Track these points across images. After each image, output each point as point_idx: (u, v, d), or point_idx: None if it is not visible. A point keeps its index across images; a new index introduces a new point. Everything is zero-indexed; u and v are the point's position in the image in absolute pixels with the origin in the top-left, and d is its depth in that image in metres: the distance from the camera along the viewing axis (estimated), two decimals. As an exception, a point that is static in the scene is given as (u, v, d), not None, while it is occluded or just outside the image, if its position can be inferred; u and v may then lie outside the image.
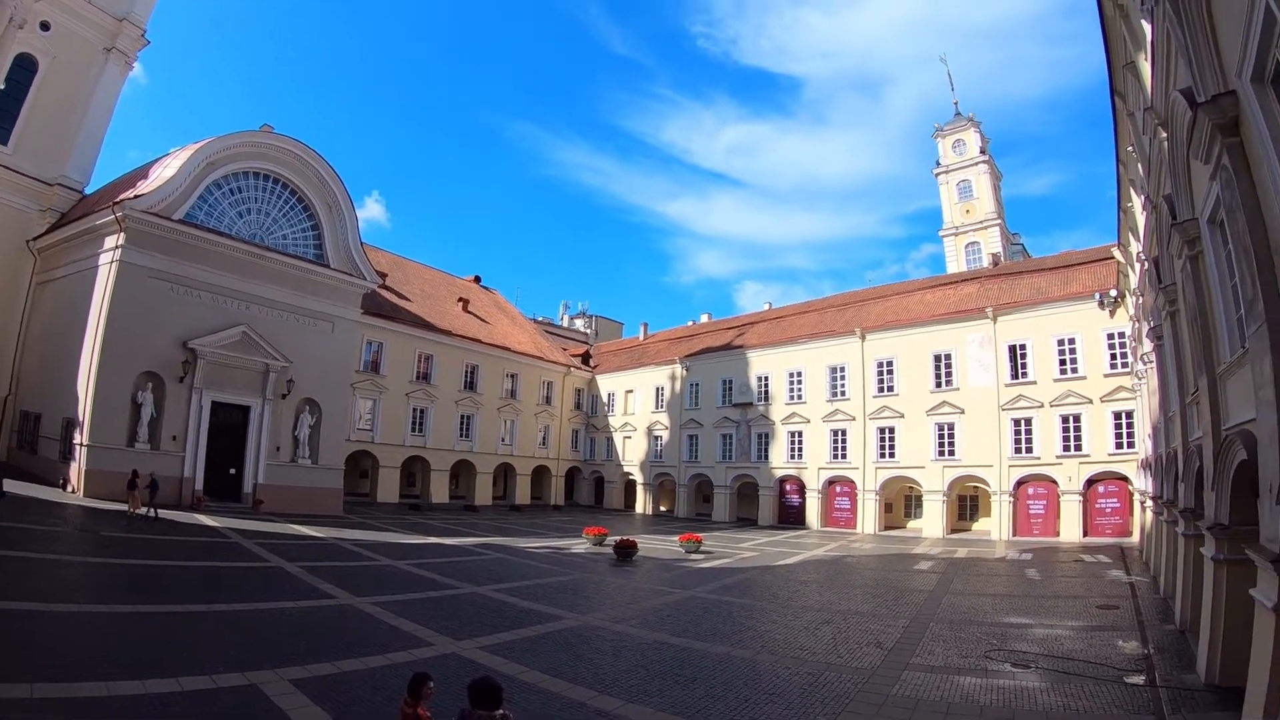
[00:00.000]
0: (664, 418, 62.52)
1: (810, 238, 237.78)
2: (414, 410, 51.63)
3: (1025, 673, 12.35)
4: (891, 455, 46.62)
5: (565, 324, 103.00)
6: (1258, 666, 8.02)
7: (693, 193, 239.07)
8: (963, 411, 43.40)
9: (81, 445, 30.24)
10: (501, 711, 5.90)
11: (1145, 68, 15.12)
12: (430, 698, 6.33)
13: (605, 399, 69.03)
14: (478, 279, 72.11)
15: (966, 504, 46.84)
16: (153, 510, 26.58)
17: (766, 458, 53.77)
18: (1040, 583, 24.32)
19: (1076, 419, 38.98)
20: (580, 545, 33.11)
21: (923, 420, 45.05)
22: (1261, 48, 6.82)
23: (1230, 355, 10.38)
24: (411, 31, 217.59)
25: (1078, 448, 38.73)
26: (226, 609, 14.25)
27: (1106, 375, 38.05)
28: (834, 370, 50.46)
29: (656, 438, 63.07)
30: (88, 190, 40.52)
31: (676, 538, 34.10)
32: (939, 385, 44.81)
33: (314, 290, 39.22)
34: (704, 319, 75.76)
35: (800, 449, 51.70)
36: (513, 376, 60.79)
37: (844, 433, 49.27)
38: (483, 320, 61.78)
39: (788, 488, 52.67)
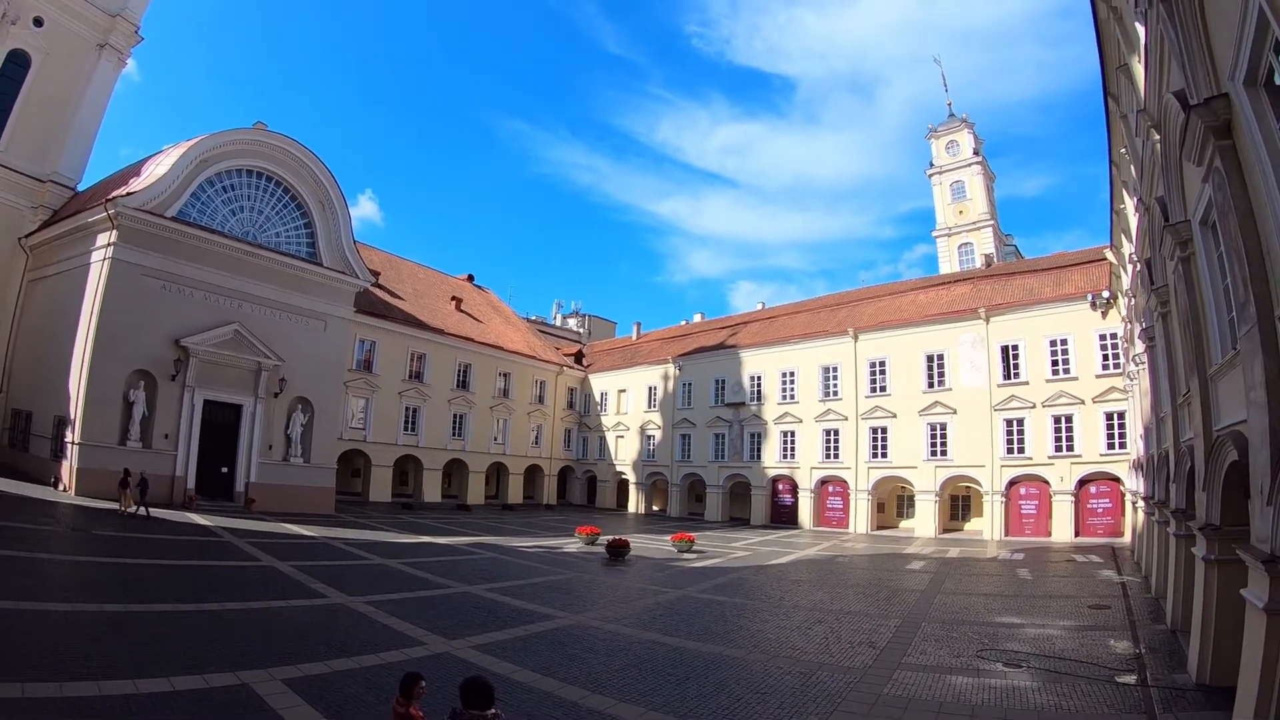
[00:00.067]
0: (657, 417, 62.52)
1: (803, 238, 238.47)
2: (406, 409, 51.53)
3: (1017, 672, 12.38)
4: (884, 455, 46.67)
5: (558, 323, 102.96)
6: (1248, 666, 8.05)
7: (686, 192, 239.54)
8: (955, 412, 43.48)
9: (73, 443, 30.10)
10: (493, 711, 5.90)
11: (1138, 70, 15.15)
12: (422, 697, 6.34)
13: (598, 398, 69.00)
14: (471, 278, 72.03)
15: (959, 504, 46.90)
16: (143, 509, 26.46)
17: (759, 457, 53.79)
18: (1032, 583, 24.38)
19: (1068, 419, 39.10)
20: (573, 544, 33.08)
21: (915, 420, 45.12)
22: (1254, 51, 6.85)
23: (1222, 357, 10.42)
24: (405, 29, 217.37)
25: (1070, 448, 38.84)
26: (218, 608, 14.20)
27: (1099, 376, 38.17)
28: (827, 370, 50.51)
29: (649, 437, 63.07)
30: (80, 187, 40.37)
31: (669, 537, 34.11)
32: (931, 385, 44.87)
33: (307, 288, 39.10)
34: (697, 318, 75.81)
35: (793, 449, 51.74)
36: (505, 375, 60.74)
37: (836, 432, 49.32)
38: (476, 319, 61.70)
39: (780, 487, 52.68)
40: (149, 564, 18.84)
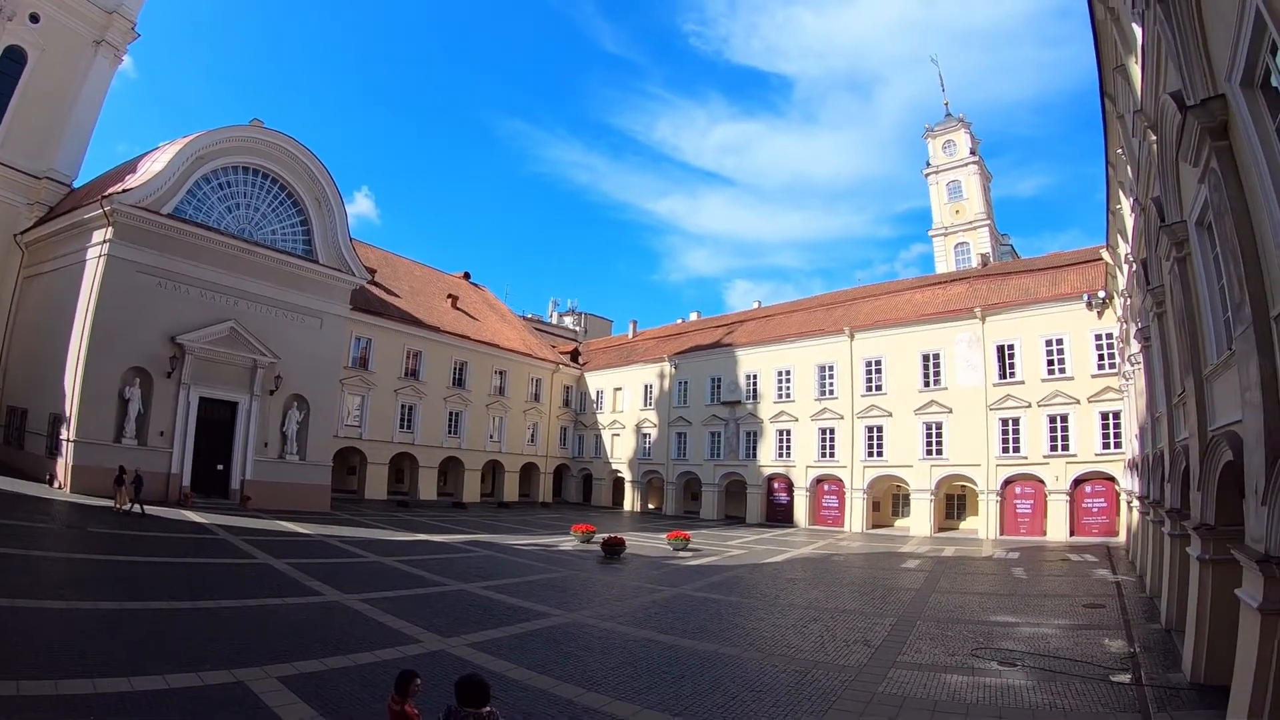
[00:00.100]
0: (652, 415, 62.53)
1: (800, 237, 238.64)
2: (402, 407, 51.47)
3: (1012, 671, 12.41)
4: (879, 454, 46.73)
5: (554, 321, 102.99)
6: (1242, 665, 8.08)
7: (683, 191, 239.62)
8: (951, 411, 43.55)
9: (68, 441, 30.00)
10: (488, 709, 5.89)
11: (1135, 71, 15.19)
12: (417, 695, 6.32)
13: (594, 396, 69.00)
14: (467, 275, 71.99)
15: (954, 503, 47.00)
16: (138, 506, 26.40)
17: (755, 456, 53.84)
18: (1027, 582, 24.44)
19: (1064, 419, 39.18)
20: (568, 542, 33.09)
21: (911, 419, 45.18)
22: (1251, 52, 6.87)
23: (1217, 357, 10.45)
24: (404, 28, 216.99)
25: (1065, 448, 38.93)
26: (214, 606, 14.18)
27: (1094, 376, 38.25)
28: (822, 369, 50.55)
29: (645, 435, 63.09)
30: (76, 184, 40.14)
31: (664, 535, 34.12)
32: (927, 385, 44.95)
33: (303, 286, 39.00)
34: (693, 317, 75.87)
35: (788, 447, 51.78)
36: (501, 373, 60.69)
37: (832, 431, 49.38)
38: (472, 317, 61.63)
39: (776, 486, 52.74)
40: (144, 561, 18.80)
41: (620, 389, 66.51)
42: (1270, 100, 6.98)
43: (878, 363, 47.70)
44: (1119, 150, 21.28)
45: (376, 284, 50.41)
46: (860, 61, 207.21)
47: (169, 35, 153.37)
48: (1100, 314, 37.74)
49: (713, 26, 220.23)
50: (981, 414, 41.94)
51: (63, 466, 29.90)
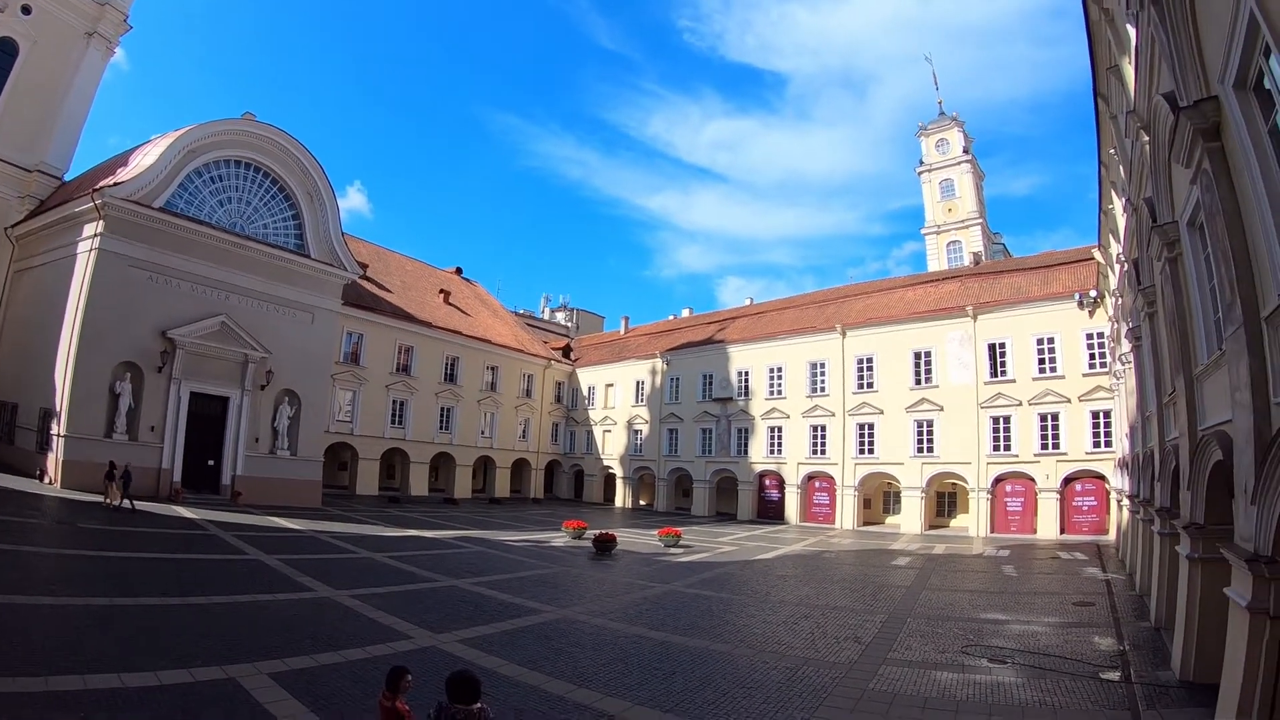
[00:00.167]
0: (644, 411, 62.53)
1: (792, 234, 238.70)
2: (394, 402, 51.36)
3: (1002, 668, 12.47)
4: (871, 451, 46.83)
5: (546, 317, 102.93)
6: (1231, 664, 8.13)
7: (675, 187, 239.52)
8: (942, 409, 43.67)
9: (59, 436, 29.83)
10: (479, 705, 5.89)
11: (1129, 71, 15.24)
12: (408, 690, 6.33)
13: (585, 392, 68.95)
14: (459, 271, 71.79)
15: (945, 500, 47.11)
16: (128, 501, 26.30)
17: (746, 453, 53.92)
18: (1017, 579, 24.55)
19: (1055, 417, 39.32)
20: (560, 539, 33.09)
21: (902, 417, 45.29)
22: (1244, 55, 6.89)
23: (1207, 357, 10.50)
24: (397, 22, 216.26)
25: (1055, 446, 39.07)
26: (205, 602, 14.14)
27: (1085, 375, 38.40)
28: (814, 366, 50.62)
29: (636, 431, 63.08)
30: (67, 177, 39.84)
31: (656, 532, 34.18)
32: (919, 382, 45.05)
33: (294, 280, 38.86)
34: (685, 313, 75.83)
35: (780, 444, 51.88)
36: (493, 369, 60.61)
37: (823, 428, 49.45)
38: (464, 312, 61.53)
39: (767, 483, 52.81)
40: (135, 557, 18.72)
41: (612, 385, 66.48)
42: (1263, 102, 7.01)
43: (869, 360, 47.78)
44: (1112, 150, 21.35)
45: (368, 279, 50.28)
46: (855, 59, 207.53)
47: (161, 27, 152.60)
48: (1091, 313, 37.88)
49: (707, 23, 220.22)
50: (972, 412, 42.06)
51: (53, 462, 29.72)
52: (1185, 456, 11.71)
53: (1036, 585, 23.23)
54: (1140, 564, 20.30)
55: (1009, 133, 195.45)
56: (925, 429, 44.43)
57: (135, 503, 26.51)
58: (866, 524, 47.61)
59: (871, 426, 47.01)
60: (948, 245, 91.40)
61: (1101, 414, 37.38)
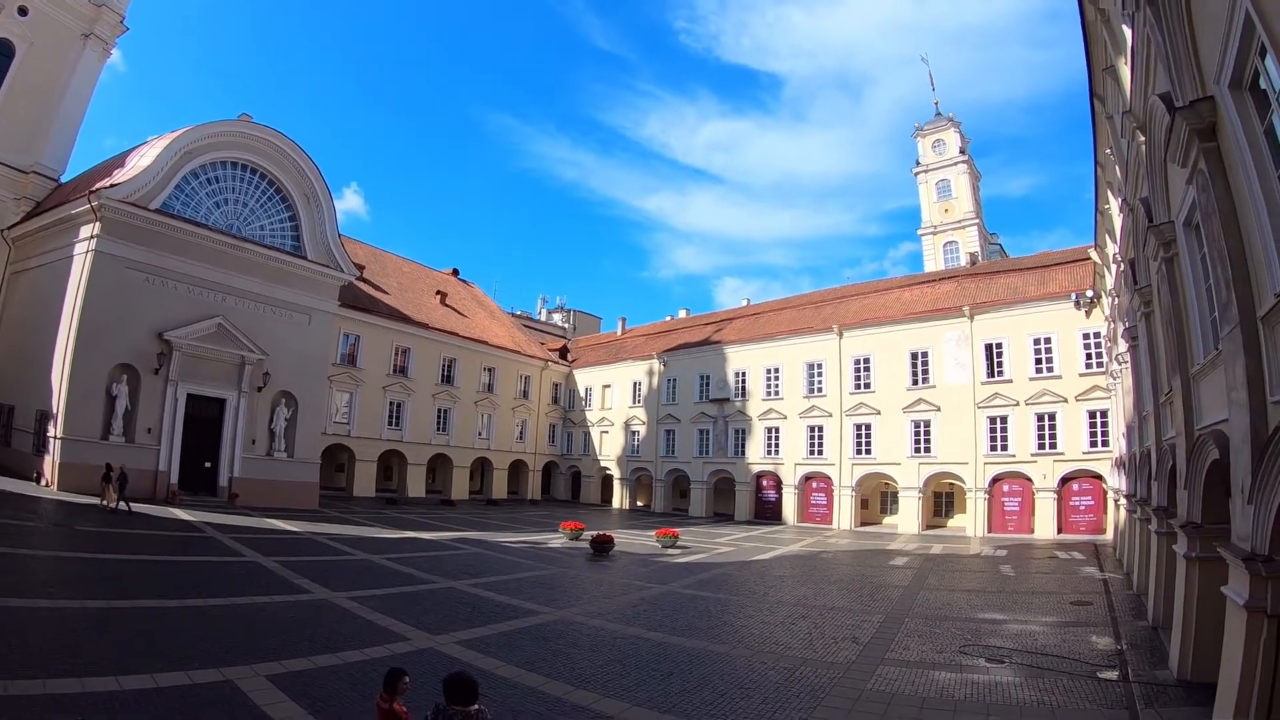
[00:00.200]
0: (641, 413, 62.54)
1: (789, 235, 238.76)
2: (391, 404, 51.34)
3: (999, 668, 12.48)
4: (868, 452, 46.86)
5: (543, 318, 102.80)
6: (1229, 663, 8.13)
7: (672, 188, 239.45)
8: (939, 409, 43.70)
9: (55, 438, 29.79)
10: (477, 706, 5.89)
11: (1125, 72, 15.25)
12: (406, 692, 6.33)
13: (583, 393, 68.93)
14: (456, 272, 71.85)
15: (942, 500, 47.15)
16: (124, 504, 26.25)
17: (743, 453, 53.92)
18: (1015, 579, 24.57)
19: (1052, 417, 39.37)
20: (557, 540, 33.07)
21: (899, 417, 45.32)
22: (1240, 55, 6.90)
23: (1204, 357, 10.51)
24: (393, 23, 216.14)
25: (1053, 446, 39.11)
26: (201, 604, 14.11)
27: (1082, 375, 38.45)
28: (811, 367, 50.65)
29: (634, 433, 63.09)
30: (64, 178, 39.82)
31: (653, 533, 34.17)
32: (916, 383, 45.08)
33: (291, 282, 38.82)
34: (682, 314, 75.99)
35: (777, 445, 51.90)
36: (490, 370, 60.60)
37: (821, 429, 49.46)
38: (460, 314, 61.52)
39: (764, 483, 52.83)
40: (132, 560, 18.70)
41: (609, 386, 66.47)
42: (1258, 102, 7.02)
43: (866, 361, 47.82)
44: (1108, 151, 21.37)
45: (365, 280, 50.26)
46: (851, 60, 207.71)
47: (158, 28, 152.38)
48: (1088, 313, 37.93)
49: (703, 24, 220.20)
50: (969, 412, 42.11)
51: (50, 464, 29.67)
52: (1182, 456, 11.72)
53: (1034, 585, 23.25)
54: (1137, 563, 20.31)
55: (1005, 133, 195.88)
56: (922, 429, 44.46)
57: (131, 505, 26.48)
58: (864, 524, 47.59)
59: (868, 427, 47.05)
60: (944, 246, 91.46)
61: (1098, 414, 37.44)
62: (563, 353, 72.88)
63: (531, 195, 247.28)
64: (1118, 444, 31.22)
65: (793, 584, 23.50)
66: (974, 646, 14.13)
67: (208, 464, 35.05)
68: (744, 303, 70.52)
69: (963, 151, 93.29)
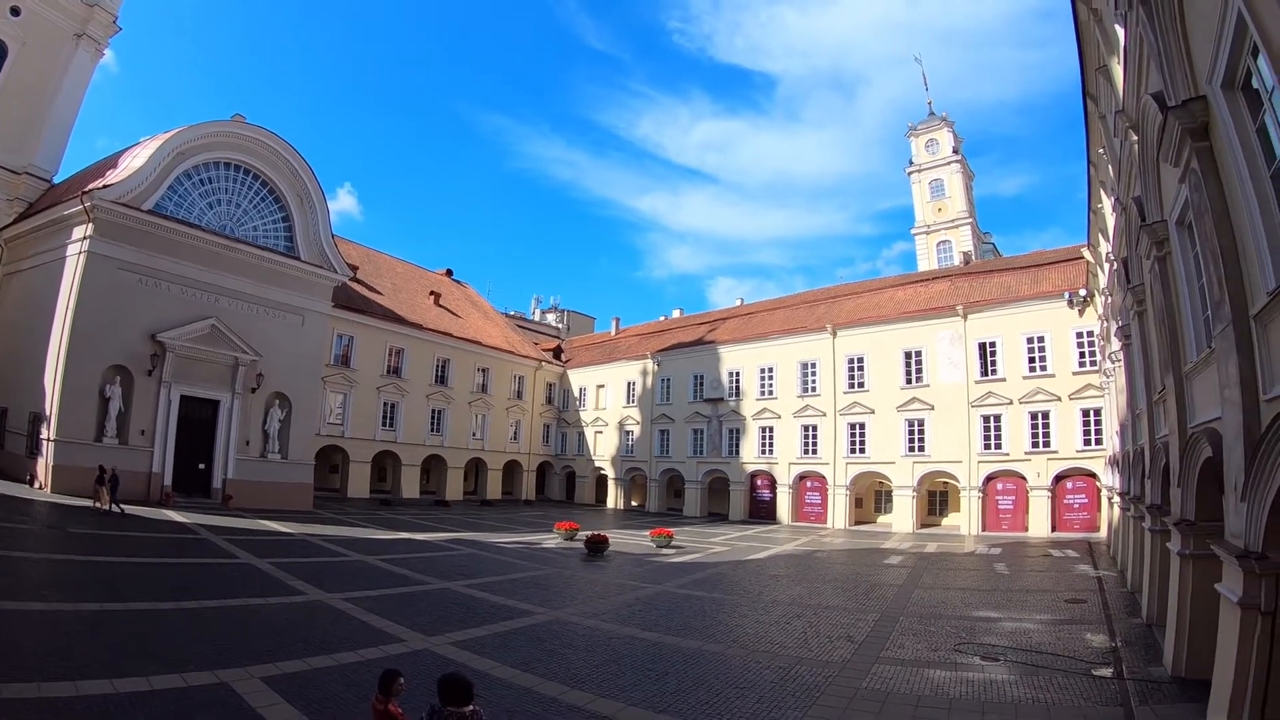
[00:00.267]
0: (635, 412, 62.53)
1: (783, 234, 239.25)
2: (385, 404, 51.19)
3: (994, 666, 12.50)
4: (862, 451, 46.91)
5: (537, 318, 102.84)
6: (1223, 659, 8.17)
7: (665, 188, 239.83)
8: (933, 408, 43.77)
9: (49, 440, 29.67)
10: (472, 707, 5.88)
11: (1117, 71, 15.30)
12: (401, 694, 6.31)
13: (577, 393, 68.88)
14: (449, 272, 71.66)
15: (936, 499, 47.28)
16: (117, 506, 26.16)
17: (737, 453, 53.94)
18: (1009, 577, 24.60)
19: (1045, 416, 39.46)
20: (551, 540, 33.04)
21: (893, 416, 45.38)
22: (1232, 54, 6.94)
23: (1197, 355, 10.56)
24: (386, 23, 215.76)
25: (1046, 444, 39.21)
26: (196, 606, 14.06)
27: (1075, 373, 38.54)
28: (805, 366, 50.68)
29: (628, 433, 63.07)
30: (56, 179, 39.68)
31: (647, 533, 34.14)
32: (909, 382, 45.17)
33: (284, 283, 38.71)
34: (676, 314, 76.00)
35: (771, 444, 51.93)
36: (484, 371, 60.47)
37: (815, 428, 49.52)
38: (454, 314, 61.38)
39: (759, 483, 52.87)
40: (126, 562, 18.64)
41: (603, 386, 66.43)
42: (1251, 102, 7.06)
43: (860, 360, 47.87)
44: (1100, 150, 21.44)
45: (359, 281, 50.13)
46: (844, 60, 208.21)
47: (151, 28, 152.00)
48: (1081, 312, 37.98)
49: (696, 24, 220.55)
50: (963, 411, 42.19)
51: (43, 466, 29.56)
52: (1175, 453, 11.76)
53: (1028, 583, 23.28)
54: (1131, 561, 20.37)
55: (998, 133, 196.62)
56: (916, 428, 44.52)
57: (124, 507, 26.41)
58: (858, 523, 47.66)
59: (862, 426, 47.09)
60: (938, 245, 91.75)
61: (1092, 412, 37.55)
62: (557, 353, 72.78)
63: (525, 196, 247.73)
64: (1111, 442, 31.30)
65: (787, 583, 23.51)
66: (969, 645, 14.14)
67: (201, 466, 34.96)
68: (738, 302, 70.63)
69: (956, 151, 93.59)
